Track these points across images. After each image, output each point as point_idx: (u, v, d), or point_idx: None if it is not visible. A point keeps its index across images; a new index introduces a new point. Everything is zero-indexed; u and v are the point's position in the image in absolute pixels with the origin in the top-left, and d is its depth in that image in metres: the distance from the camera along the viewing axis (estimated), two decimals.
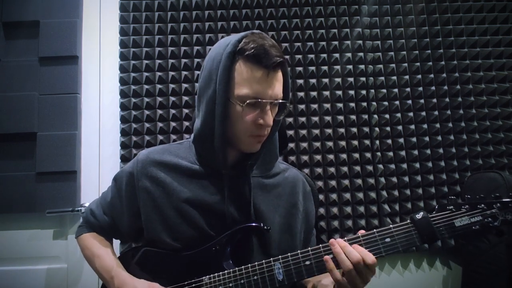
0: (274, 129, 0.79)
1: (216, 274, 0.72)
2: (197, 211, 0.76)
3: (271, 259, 0.69)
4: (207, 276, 0.73)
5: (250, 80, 0.69)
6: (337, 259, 0.63)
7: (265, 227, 0.75)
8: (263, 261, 0.70)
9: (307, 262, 0.67)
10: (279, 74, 0.72)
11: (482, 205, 0.61)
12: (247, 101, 0.69)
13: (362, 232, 0.66)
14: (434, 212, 0.64)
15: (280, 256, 0.69)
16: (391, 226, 0.65)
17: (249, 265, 0.70)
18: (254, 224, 0.75)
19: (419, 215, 0.63)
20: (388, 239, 0.64)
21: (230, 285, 0.70)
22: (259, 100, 0.69)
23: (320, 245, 0.67)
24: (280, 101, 0.73)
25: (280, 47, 0.74)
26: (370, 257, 0.61)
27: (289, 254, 0.68)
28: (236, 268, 0.71)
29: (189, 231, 0.76)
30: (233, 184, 0.78)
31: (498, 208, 0.60)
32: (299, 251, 0.68)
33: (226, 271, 0.72)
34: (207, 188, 0.78)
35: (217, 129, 0.72)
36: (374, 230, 0.65)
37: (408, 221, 0.64)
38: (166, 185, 0.78)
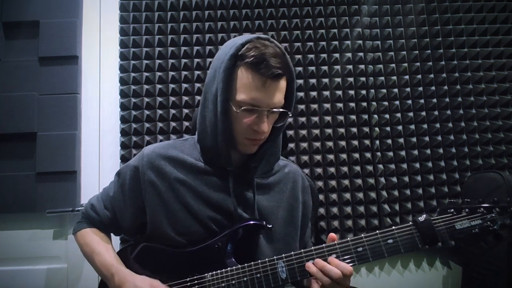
0: (277, 134, 0.80)
1: (219, 271, 0.72)
2: (202, 207, 0.77)
3: (275, 257, 0.70)
4: (210, 273, 0.73)
5: (247, 87, 0.70)
6: (317, 278, 0.65)
7: (267, 225, 0.75)
8: (267, 259, 0.70)
9: (310, 261, 0.67)
10: (280, 83, 0.72)
11: (482, 209, 0.63)
12: (243, 107, 0.70)
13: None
14: (435, 215, 0.65)
15: (283, 255, 0.69)
16: (393, 227, 0.66)
17: (252, 263, 0.71)
18: (254, 222, 0.76)
19: (421, 218, 0.64)
20: (390, 241, 0.65)
21: (233, 282, 0.70)
22: (255, 107, 0.70)
23: (323, 244, 0.68)
24: (279, 110, 0.73)
25: (284, 54, 0.72)
26: (348, 269, 0.63)
27: (292, 253, 0.69)
28: (239, 266, 0.71)
29: (194, 226, 0.76)
30: (238, 183, 0.79)
31: (497, 212, 0.62)
32: (302, 250, 0.69)
33: (229, 268, 0.72)
34: (212, 185, 0.79)
35: (219, 127, 0.73)
36: (377, 231, 0.66)
37: (411, 223, 0.65)
38: (172, 179, 0.78)
